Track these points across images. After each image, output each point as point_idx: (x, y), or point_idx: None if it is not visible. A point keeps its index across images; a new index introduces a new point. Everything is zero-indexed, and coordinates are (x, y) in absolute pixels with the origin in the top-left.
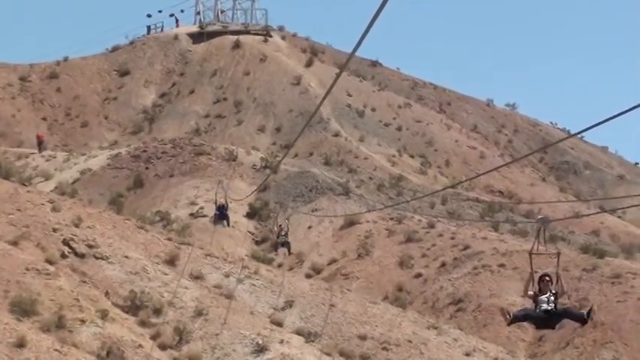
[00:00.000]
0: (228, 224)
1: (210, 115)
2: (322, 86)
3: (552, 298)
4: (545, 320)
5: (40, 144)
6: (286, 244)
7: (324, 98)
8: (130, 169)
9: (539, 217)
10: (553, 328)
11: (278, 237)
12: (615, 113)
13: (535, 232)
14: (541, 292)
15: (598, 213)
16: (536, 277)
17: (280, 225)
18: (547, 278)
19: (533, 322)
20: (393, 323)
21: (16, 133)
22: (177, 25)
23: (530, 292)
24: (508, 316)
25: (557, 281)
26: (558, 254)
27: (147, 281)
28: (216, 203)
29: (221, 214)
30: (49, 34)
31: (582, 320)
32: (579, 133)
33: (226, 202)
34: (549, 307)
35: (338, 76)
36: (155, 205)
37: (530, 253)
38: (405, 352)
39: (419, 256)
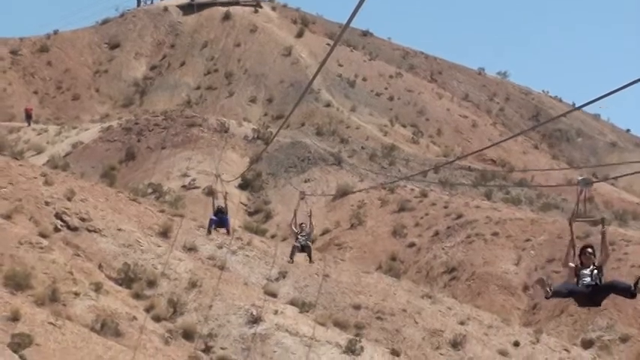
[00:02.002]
0: (228, 232)
1: (201, 86)
2: (313, 57)
3: (596, 272)
4: (590, 296)
5: (29, 117)
6: (307, 249)
7: (317, 73)
8: (122, 141)
9: (580, 177)
10: (599, 305)
11: (297, 238)
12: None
13: (577, 195)
14: (583, 265)
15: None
16: (577, 248)
17: (302, 224)
18: (589, 250)
19: (576, 299)
20: (387, 293)
21: (7, 106)
22: None
23: (572, 265)
24: (549, 290)
25: (602, 251)
26: (603, 220)
27: (140, 253)
28: (213, 205)
29: (219, 221)
30: (39, 8)
31: (630, 293)
32: (583, 106)
33: (226, 203)
34: (593, 282)
35: (331, 50)
36: (147, 177)
37: (571, 220)
38: (400, 321)
39: (412, 225)
